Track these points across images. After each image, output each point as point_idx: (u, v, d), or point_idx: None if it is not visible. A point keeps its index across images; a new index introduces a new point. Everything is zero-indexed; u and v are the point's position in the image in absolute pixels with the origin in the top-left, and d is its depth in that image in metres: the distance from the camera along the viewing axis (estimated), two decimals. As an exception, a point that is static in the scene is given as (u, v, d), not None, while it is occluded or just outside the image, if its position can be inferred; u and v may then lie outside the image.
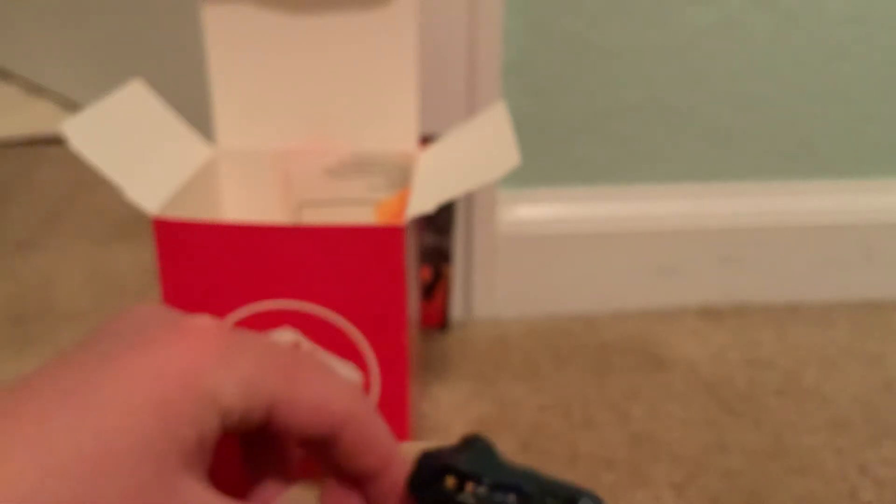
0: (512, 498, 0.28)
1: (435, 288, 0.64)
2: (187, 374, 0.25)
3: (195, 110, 0.59)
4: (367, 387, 0.42)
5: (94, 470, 0.22)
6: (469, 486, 0.28)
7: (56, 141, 1.00)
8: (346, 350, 0.42)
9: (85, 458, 0.22)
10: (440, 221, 0.62)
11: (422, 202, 0.40)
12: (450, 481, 0.28)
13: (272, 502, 0.30)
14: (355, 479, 0.29)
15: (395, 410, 0.42)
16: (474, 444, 0.29)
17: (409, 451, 0.31)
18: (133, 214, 0.84)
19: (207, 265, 0.41)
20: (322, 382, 0.28)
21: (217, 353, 0.25)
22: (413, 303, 0.47)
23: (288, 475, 0.30)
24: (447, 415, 0.57)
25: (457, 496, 0.28)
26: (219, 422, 0.25)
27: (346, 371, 0.42)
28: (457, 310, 0.68)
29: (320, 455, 0.29)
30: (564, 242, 0.67)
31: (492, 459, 0.29)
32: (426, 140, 0.54)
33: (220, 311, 0.41)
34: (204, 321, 0.26)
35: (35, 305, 0.70)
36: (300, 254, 0.40)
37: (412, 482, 0.29)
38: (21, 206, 0.88)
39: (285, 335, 0.41)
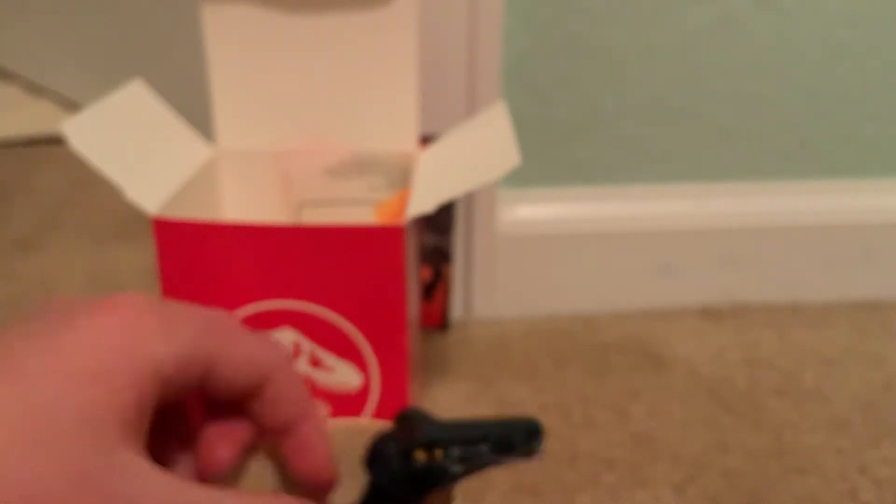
0: (484, 447, 0.29)
1: (435, 288, 0.64)
2: (126, 345, 0.24)
3: (195, 110, 0.59)
4: (367, 386, 0.42)
5: (30, 450, 0.21)
6: (438, 453, 0.29)
7: (56, 141, 1.00)
8: (347, 350, 0.42)
9: (19, 437, 0.21)
10: (440, 221, 0.62)
11: (422, 202, 0.40)
12: (420, 455, 0.29)
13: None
14: (275, 434, 0.30)
15: (396, 410, 0.42)
16: (413, 417, 0.30)
17: (336, 427, 0.32)
18: (133, 214, 0.84)
19: (207, 265, 0.41)
20: (251, 339, 0.28)
21: (154, 323, 0.25)
22: (413, 303, 0.47)
23: (192, 447, 0.30)
24: (447, 415, 0.57)
25: (443, 465, 0.29)
26: (159, 391, 0.24)
27: (346, 371, 0.42)
28: (457, 310, 0.68)
29: (239, 412, 0.29)
30: (564, 242, 0.67)
31: (439, 424, 0.30)
32: (426, 140, 0.54)
33: None
34: (132, 296, 0.25)
35: (35, 305, 0.70)
36: (300, 254, 0.40)
37: (374, 462, 0.29)
38: (21, 206, 0.88)
39: (285, 335, 0.41)
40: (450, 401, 0.58)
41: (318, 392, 0.43)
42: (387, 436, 0.30)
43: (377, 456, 0.29)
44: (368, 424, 0.34)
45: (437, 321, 0.66)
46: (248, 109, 0.50)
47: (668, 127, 0.67)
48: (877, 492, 0.51)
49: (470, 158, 0.44)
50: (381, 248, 0.40)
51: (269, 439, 0.30)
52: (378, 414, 0.43)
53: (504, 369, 0.62)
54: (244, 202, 0.51)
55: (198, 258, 0.40)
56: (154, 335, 0.24)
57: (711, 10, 0.63)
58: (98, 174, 0.39)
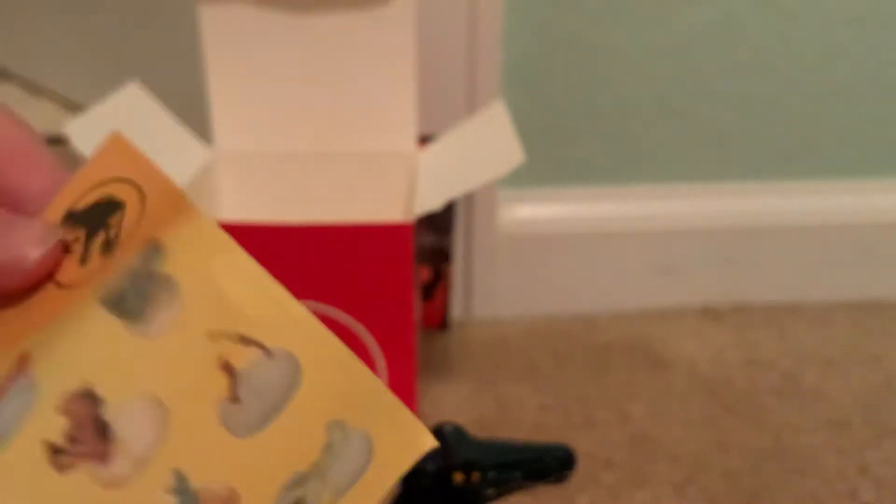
0: (517, 472, 0.30)
1: (435, 288, 0.64)
2: None
3: (194, 111, 0.59)
4: None
5: None
6: (475, 476, 0.29)
7: (56, 141, 1.00)
8: (354, 348, 0.42)
9: None
10: (440, 221, 0.62)
11: (429, 200, 0.40)
12: (458, 476, 0.29)
13: None
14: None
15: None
16: (450, 434, 0.30)
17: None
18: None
19: None
20: None
21: None
22: (417, 302, 0.47)
23: None
24: (447, 415, 0.57)
25: (479, 488, 0.29)
26: None
27: None
28: (457, 310, 0.68)
29: None
30: (564, 242, 0.67)
31: (476, 445, 0.30)
32: (425, 140, 0.54)
33: None
34: None
35: (35, 305, 0.70)
36: (307, 252, 0.40)
37: (409, 474, 0.30)
38: (21, 206, 0.88)
39: None
40: (450, 401, 0.58)
41: None
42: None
43: (414, 469, 0.30)
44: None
45: (437, 321, 0.66)
46: (247, 110, 0.50)
47: (668, 127, 0.66)
48: (877, 492, 0.51)
49: (473, 157, 0.44)
50: (388, 246, 0.40)
51: None
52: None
53: (504, 369, 0.62)
54: (242, 204, 0.51)
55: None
56: None
57: (712, 10, 0.63)
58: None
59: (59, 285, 0.23)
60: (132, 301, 0.22)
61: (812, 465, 0.53)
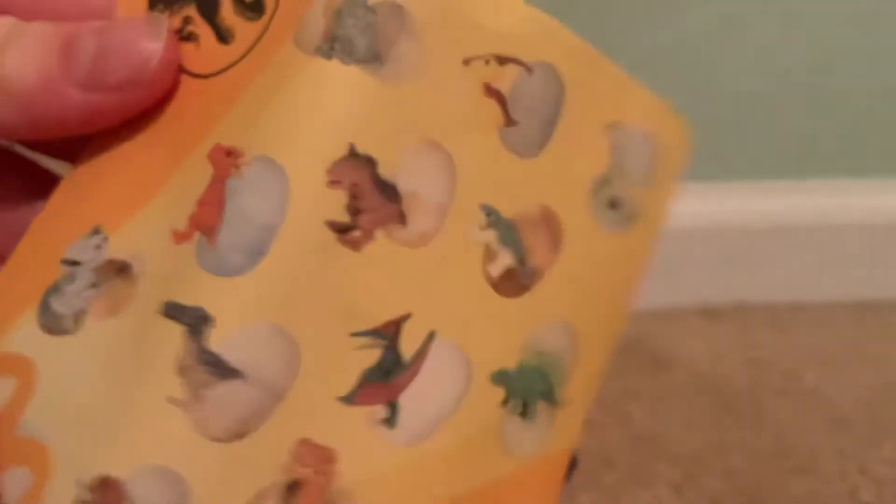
0: None
1: (435, 288, 0.64)
2: None
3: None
4: None
5: None
6: None
7: (56, 141, 1.00)
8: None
9: None
10: (440, 221, 0.62)
11: None
12: None
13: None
14: None
15: None
16: None
17: None
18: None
19: None
20: None
21: None
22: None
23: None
24: (447, 415, 0.57)
25: None
26: None
27: None
28: (457, 310, 0.68)
29: None
30: (564, 242, 0.67)
31: None
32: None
33: None
34: None
35: (35, 306, 0.70)
36: None
37: None
38: (21, 206, 0.88)
39: None
40: (450, 401, 0.58)
41: None
42: None
43: None
44: None
45: (437, 321, 0.65)
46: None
47: (668, 127, 0.66)
48: (877, 492, 0.51)
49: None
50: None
51: None
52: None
53: (504, 369, 0.62)
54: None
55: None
56: None
57: (712, 10, 0.63)
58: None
59: (201, 76, 0.19)
60: (358, 40, 0.17)
61: (812, 465, 0.53)
